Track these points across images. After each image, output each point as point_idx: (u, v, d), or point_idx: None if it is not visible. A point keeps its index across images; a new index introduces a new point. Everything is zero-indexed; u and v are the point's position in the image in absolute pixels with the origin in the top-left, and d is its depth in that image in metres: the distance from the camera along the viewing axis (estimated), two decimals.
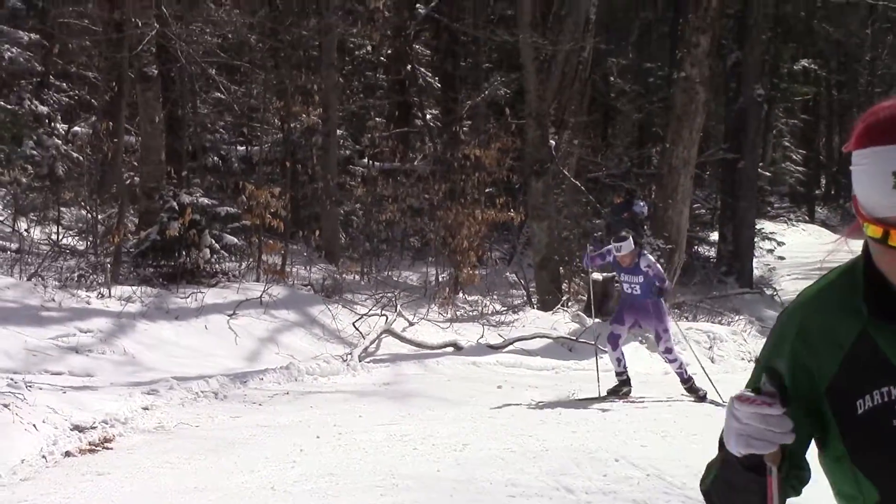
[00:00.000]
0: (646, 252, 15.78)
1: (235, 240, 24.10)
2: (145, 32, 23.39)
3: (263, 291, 22.06)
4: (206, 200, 23.74)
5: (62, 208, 26.86)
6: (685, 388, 16.19)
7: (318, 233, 27.53)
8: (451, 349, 20.28)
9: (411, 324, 21.44)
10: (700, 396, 15.79)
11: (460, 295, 24.12)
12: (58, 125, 31.63)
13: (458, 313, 22.98)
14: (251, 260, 24.93)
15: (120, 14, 24.92)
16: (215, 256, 23.23)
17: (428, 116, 35.90)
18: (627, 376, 15.93)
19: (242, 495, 10.81)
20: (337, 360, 19.04)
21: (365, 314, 21.72)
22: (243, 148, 35.59)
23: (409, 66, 34.88)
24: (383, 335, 20.39)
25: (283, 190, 25.82)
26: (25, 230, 25.48)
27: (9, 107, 27.30)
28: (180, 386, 16.65)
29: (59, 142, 28.95)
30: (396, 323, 21.27)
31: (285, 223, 24.48)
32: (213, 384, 16.87)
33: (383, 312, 21.75)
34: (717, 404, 15.20)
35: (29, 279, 20.70)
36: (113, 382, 16.46)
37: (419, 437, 13.24)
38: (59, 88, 33.80)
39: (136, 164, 29.19)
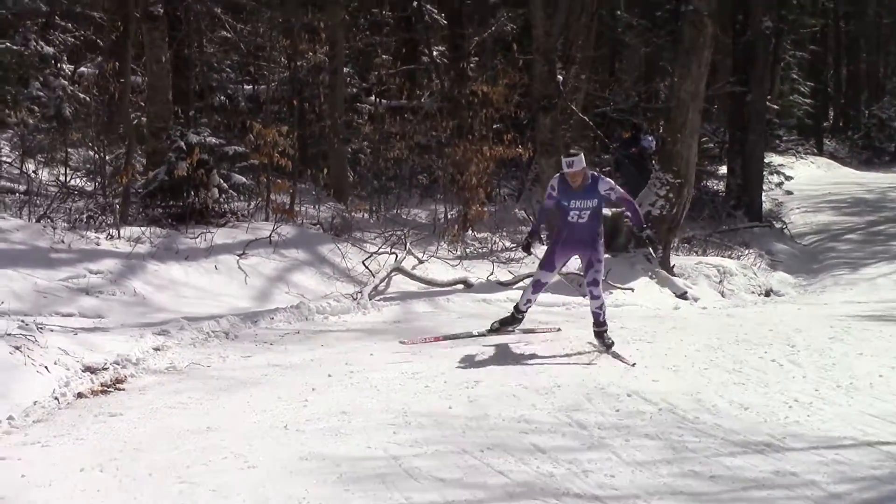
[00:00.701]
0: (605, 177, 13.92)
1: (244, 179, 24.17)
2: None
3: (272, 231, 22.14)
4: (213, 140, 23.80)
5: (69, 149, 27.04)
6: (594, 332, 14.46)
7: (325, 171, 27.81)
8: (461, 287, 20.45)
9: (421, 262, 21.59)
10: (606, 345, 14.16)
11: (469, 232, 24.23)
12: (63, 66, 31.84)
13: (467, 251, 23.12)
14: (260, 199, 25.06)
15: None
16: (224, 196, 23.37)
17: (435, 53, 35.64)
18: (523, 316, 14.91)
19: (255, 434, 10.95)
20: (347, 298, 19.18)
21: (374, 253, 21.81)
22: (250, 87, 35.66)
23: (414, 3, 34.94)
24: (393, 273, 20.57)
25: (291, 129, 25.85)
26: (33, 171, 25.70)
27: (15, 48, 27.60)
28: (191, 326, 16.77)
29: (66, 83, 29.29)
30: (406, 261, 21.42)
31: (293, 162, 24.58)
32: (223, 324, 16.99)
33: (393, 251, 21.84)
34: (621, 359, 13.76)
35: (38, 221, 20.81)
36: (123, 324, 16.59)
37: (431, 374, 13.37)
38: (65, 29, 33.86)
39: (143, 104, 29.03)
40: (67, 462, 10.35)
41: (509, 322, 14.74)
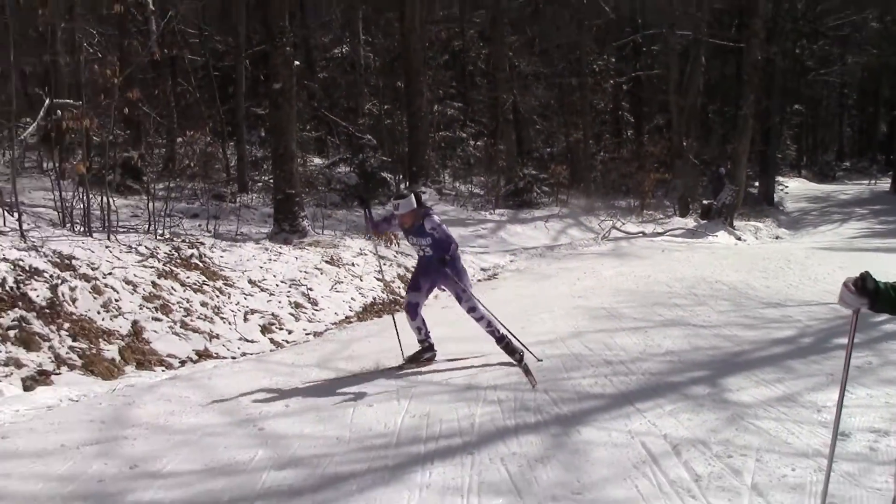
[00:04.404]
0: (432, 214, 7.50)
1: (543, 188, 24.58)
2: None
3: (558, 211, 22.63)
4: (532, 171, 24.76)
5: (474, 177, 26.26)
6: (501, 348, 7.48)
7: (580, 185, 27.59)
8: (640, 235, 20.58)
9: (623, 224, 21.68)
10: (516, 359, 7.40)
11: (643, 212, 24.72)
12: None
13: (642, 220, 23.50)
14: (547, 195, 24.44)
15: None
16: (535, 194, 23.34)
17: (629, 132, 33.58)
18: (430, 343, 7.84)
19: (553, 296, 11.50)
20: (591, 240, 19.93)
21: (605, 219, 22.07)
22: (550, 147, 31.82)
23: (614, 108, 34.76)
24: (611, 229, 20.84)
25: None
26: (453, 182, 25.15)
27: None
28: (525, 251, 18.01)
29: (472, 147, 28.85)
30: (617, 224, 21.63)
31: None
32: (538, 251, 18.16)
33: (611, 218, 22.09)
34: (529, 375, 7.00)
35: (462, 206, 21.62)
36: (496, 250, 17.76)
37: (635, 273, 13.70)
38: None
39: (502, 160, 25.29)
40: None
41: (419, 356, 7.67)
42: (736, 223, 22.67)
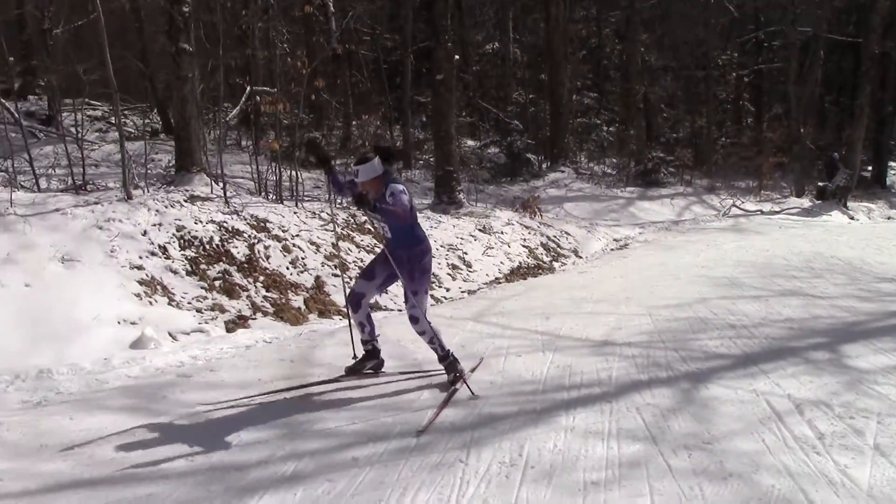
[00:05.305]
0: (396, 179, 5.10)
1: (666, 170, 24.19)
2: None
3: (683, 190, 22.14)
4: (660, 154, 24.19)
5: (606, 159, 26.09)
6: (443, 367, 5.32)
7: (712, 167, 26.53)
8: (758, 213, 19.59)
9: (742, 203, 20.71)
10: (454, 378, 5.23)
11: (761, 192, 23.61)
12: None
13: (759, 200, 22.49)
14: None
15: None
16: (662, 174, 22.88)
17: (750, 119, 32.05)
18: (374, 346, 5.53)
19: (680, 265, 11.06)
20: (712, 217, 19.28)
21: (725, 198, 21.20)
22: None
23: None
24: (731, 207, 19.97)
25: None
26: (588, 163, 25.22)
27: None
28: (652, 225, 17.56)
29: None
30: (736, 202, 20.80)
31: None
32: (664, 225, 17.65)
33: (731, 197, 21.19)
34: (469, 388, 5.17)
35: (596, 184, 21.41)
36: (627, 223, 17.43)
37: (754, 246, 13.08)
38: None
39: (633, 143, 24.54)
40: (609, 270, 11.26)
41: (360, 366, 5.49)
42: (849, 204, 21.37)
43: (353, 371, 5.41)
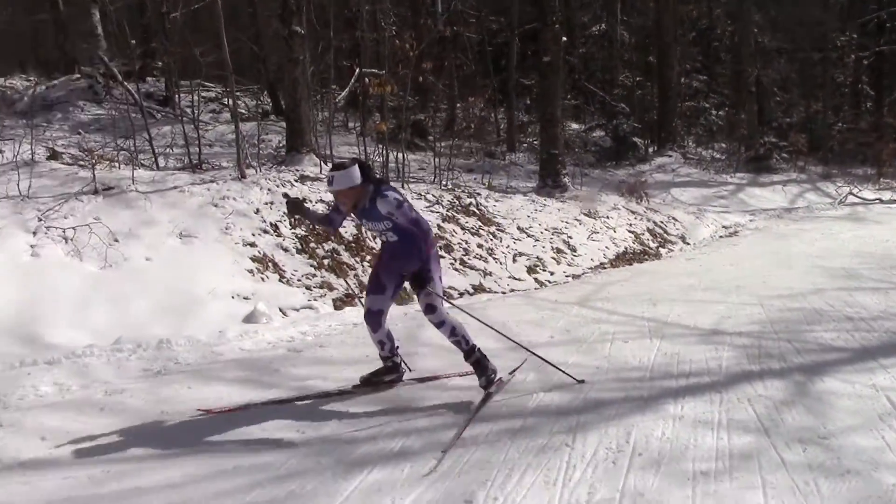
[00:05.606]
0: (388, 193, 4.53)
1: (784, 157, 23.17)
2: None
3: (793, 176, 21.29)
4: (772, 139, 23.23)
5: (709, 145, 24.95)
6: (470, 365, 4.82)
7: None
8: (877, 202, 18.59)
9: (860, 191, 19.74)
10: (486, 382, 4.75)
11: (880, 180, 22.40)
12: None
13: (878, 188, 21.33)
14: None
15: None
16: (775, 160, 21.85)
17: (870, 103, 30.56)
18: (394, 362, 5.11)
19: (792, 254, 10.70)
20: (827, 205, 18.44)
21: (841, 185, 20.20)
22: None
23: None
24: (847, 195, 19.07)
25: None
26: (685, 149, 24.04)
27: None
28: (763, 212, 16.98)
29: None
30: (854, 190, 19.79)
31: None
32: (777, 211, 17.07)
33: (847, 184, 20.12)
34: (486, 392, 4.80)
35: (704, 169, 20.81)
36: (735, 210, 17.01)
37: (873, 236, 12.57)
38: None
39: (744, 127, 23.17)
40: (718, 258, 11.12)
41: (380, 375, 5.09)
42: None
43: (369, 383, 5.05)
